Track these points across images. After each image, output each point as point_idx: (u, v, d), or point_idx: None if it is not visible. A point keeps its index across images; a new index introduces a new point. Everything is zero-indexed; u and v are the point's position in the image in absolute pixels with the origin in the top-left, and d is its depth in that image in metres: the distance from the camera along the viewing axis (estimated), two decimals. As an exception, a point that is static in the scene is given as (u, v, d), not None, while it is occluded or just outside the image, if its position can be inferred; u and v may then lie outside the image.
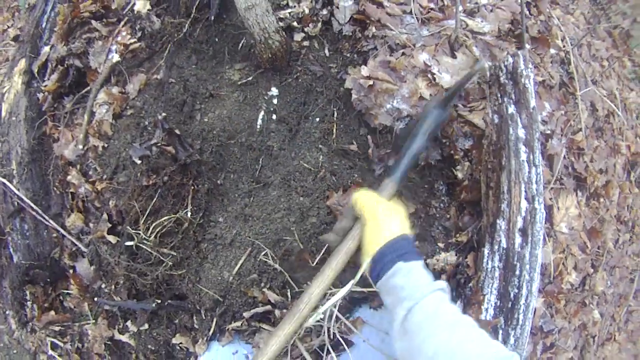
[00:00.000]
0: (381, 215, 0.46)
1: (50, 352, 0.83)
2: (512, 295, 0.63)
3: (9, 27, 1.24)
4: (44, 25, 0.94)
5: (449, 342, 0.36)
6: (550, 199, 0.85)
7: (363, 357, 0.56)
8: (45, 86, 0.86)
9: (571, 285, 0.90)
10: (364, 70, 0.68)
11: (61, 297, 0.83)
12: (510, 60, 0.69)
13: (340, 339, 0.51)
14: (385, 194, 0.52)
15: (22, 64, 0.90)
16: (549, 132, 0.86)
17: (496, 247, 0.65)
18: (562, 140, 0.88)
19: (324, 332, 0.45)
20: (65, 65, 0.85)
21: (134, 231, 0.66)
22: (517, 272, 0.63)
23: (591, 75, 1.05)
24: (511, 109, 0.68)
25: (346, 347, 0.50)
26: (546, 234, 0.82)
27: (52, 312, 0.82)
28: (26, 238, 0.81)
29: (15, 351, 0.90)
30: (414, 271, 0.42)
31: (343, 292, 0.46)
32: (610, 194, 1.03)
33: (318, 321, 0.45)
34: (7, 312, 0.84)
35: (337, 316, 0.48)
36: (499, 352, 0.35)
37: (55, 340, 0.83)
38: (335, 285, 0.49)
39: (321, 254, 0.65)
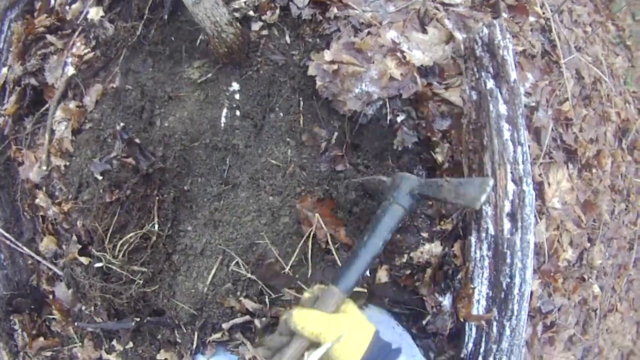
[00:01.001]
0: (340, 338, 0.36)
1: None
2: (504, 285, 0.58)
3: None
4: (1, 46, 0.87)
5: None
6: (540, 175, 0.79)
7: None
8: (5, 109, 0.80)
9: (568, 262, 0.85)
10: (327, 55, 0.62)
11: (47, 323, 0.80)
12: (486, 31, 0.62)
13: None
14: (329, 308, 0.39)
15: None
16: (533, 104, 0.79)
17: (483, 234, 0.59)
18: (549, 111, 0.82)
19: None
20: (22, 85, 0.79)
21: (100, 252, 0.61)
22: (508, 260, 0.58)
23: (574, 42, 0.98)
24: (490, 84, 0.61)
25: None
26: (538, 211, 0.77)
27: (42, 338, 0.78)
28: (3, 268, 0.77)
29: None
30: None
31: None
32: (603, 163, 0.96)
33: None
34: None
35: None
36: None
37: None
38: None
39: (294, 255, 0.60)
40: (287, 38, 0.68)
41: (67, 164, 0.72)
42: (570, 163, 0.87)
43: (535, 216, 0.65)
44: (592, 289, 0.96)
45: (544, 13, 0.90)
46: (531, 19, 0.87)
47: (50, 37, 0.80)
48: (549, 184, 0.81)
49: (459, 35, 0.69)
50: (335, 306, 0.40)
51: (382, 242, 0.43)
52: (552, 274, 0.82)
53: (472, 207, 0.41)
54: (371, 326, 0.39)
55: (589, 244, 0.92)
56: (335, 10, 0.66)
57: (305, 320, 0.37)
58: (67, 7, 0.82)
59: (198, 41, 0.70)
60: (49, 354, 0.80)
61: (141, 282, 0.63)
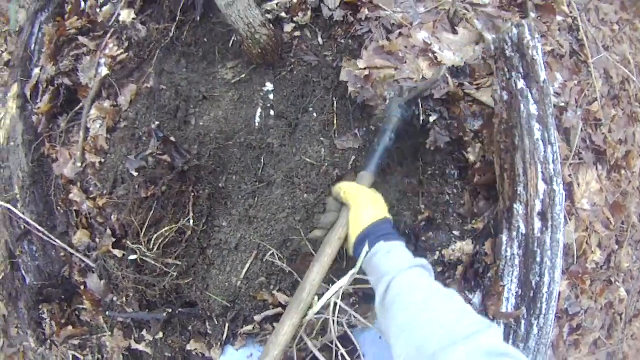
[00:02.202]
0: (364, 201, 0.49)
1: None
2: (534, 283, 0.59)
3: (2, 52, 1.23)
4: (32, 48, 0.91)
5: (420, 314, 0.35)
6: (570, 175, 0.79)
7: (378, 349, 0.55)
8: (39, 108, 0.84)
9: (596, 265, 0.85)
10: (361, 63, 0.64)
11: (77, 312, 0.82)
12: (515, 31, 0.62)
13: (350, 333, 0.49)
14: (364, 184, 0.55)
15: (15, 88, 0.88)
16: (563, 104, 0.79)
17: (515, 233, 0.60)
18: (578, 112, 0.82)
19: (330, 327, 0.44)
20: (56, 85, 0.83)
21: (135, 245, 0.64)
22: (538, 259, 0.59)
23: (602, 41, 0.97)
24: (520, 84, 0.62)
25: (355, 343, 0.48)
26: (567, 212, 0.77)
27: (70, 327, 0.81)
28: (35, 259, 0.81)
29: None
30: (394, 250, 0.44)
31: (343, 281, 0.46)
32: (632, 164, 0.95)
33: (322, 314, 0.44)
34: (26, 332, 0.84)
35: (345, 311, 0.47)
36: (472, 324, 0.32)
37: (76, 354, 0.83)
38: (340, 277, 0.49)
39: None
40: (320, 39, 0.70)
41: (102, 160, 0.76)
42: (600, 164, 0.86)
43: (565, 216, 0.65)
44: (619, 292, 0.95)
45: (571, 12, 0.90)
46: (559, 18, 0.87)
47: (82, 39, 0.84)
48: (578, 184, 0.81)
49: (489, 36, 0.70)
50: (368, 183, 0.55)
51: (388, 140, 0.58)
52: (580, 276, 0.81)
53: (436, 78, 0.59)
54: (387, 213, 0.50)
55: (617, 247, 0.91)
56: (367, 11, 0.67)
57: (346, 186, 0.51)
58: (98, 10, 0.86)
59: (231, 42, 0.72)
60: (76, 342, 0.83)
61: (175, 274, 0.65)
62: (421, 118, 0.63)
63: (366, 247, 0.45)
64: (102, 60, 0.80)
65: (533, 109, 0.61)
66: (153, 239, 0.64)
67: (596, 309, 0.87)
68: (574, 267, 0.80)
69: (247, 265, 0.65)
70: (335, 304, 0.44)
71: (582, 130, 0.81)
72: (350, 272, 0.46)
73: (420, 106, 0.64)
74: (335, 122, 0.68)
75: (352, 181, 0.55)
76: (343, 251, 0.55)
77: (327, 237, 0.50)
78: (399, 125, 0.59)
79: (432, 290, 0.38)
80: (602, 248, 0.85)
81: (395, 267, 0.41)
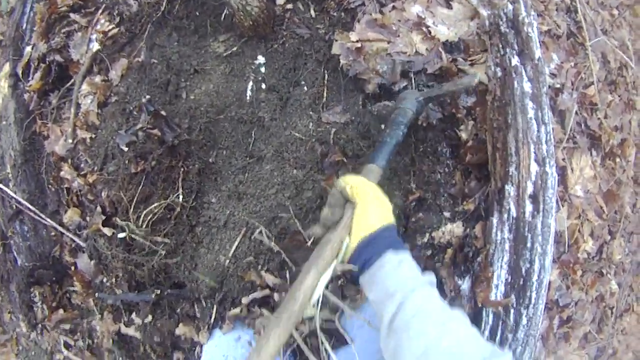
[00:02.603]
0: (373, 199, 0.43)
1: (65, 351, 0.83)
2: (523, 270, 0.58)
3: None
4: (24, 27, 0.90)
5: (439, 341, 0.33)
6: (563, 159, 0.78)
7: (367, 332, 0.52)
8: (30, 86, 0.83)
9: (588, 254, 0.84)
10: (353, 36, 0.62)
11: (68, 295, 0.82)
12: (510, 6, 0.62)
13: (337, 321, 0.46)
14: (372, 179, 0.49)
15: (7, 67, 0.87)
16: (558, 85, 0.78)
17: (505, 216, 0.59)
18: (573, 94, 0.81)
19: (315, 317, 0.40)
20: (47, 62, 0.82)
21: (124, 222, 0.63)
22: (529, 245, 0.58)
23: (601, 24, 0.96)
24: (514, 61, 0.61)
25: (349, 339, 0.44)
26: (560, 198, 0.76)
27: (61, 310, 0.81)
28: (27, 240, 0.80)
29: (33, 352, 0.91)
30: (403, 263, 0.40)
31: (328, 274, 0.41)
32: (627, 153, 0.95)
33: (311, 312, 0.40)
34: (18, 316, 0.84)
35: (329, 301, 0.42)
36: (492, 353, 0.32)
37: (67, 339, 0.83)
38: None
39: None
40: (312, 12, 0.69)
41: (93, 136, 0.75)
42: (594, 150, 0.85)
43: (557, 202, 0.65)
44: (610, 285, 0.94)
45: (569, -7, 0.88)
46: (556, -2, 0.86)
47: (73, 16, 0.83)
48: (572, 169, 0.80)
49: (484, 11, 0.69)
50: (376, 179, 0.50)
51: (401, 134, 0.55)
52: (571, 265, 0.81)
53: (471, 84, 0.56)
54: (392, 218, 0.44)
55: (609, 237, 0.91)
56: (361, -16, 0.67)
57: (353, 181, 0.45)
58: None
59: (222, 15, 0.71)
60: (67, 326, 0.83)
61: (163, 253, 0.65)
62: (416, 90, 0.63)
63: (354, 244, 0.40)
64: (94, 36, 0.79)
65: (527, 86, 0.60)
66: (142, 216, 0.63)
67: (587, 301, 0.87)
68: (565, 256, 0.79)
69: (236, 244, 0.64)
70: (322, 294, 0.40)
71: (577, 113, 0.80)
72: (334, 263, 0.40)
73: (413, 80, 0.63)
74: (325, 95, 0.66)
75: (357, 173, 0.48)
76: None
77: (327, 237, 0.43)
78: (412, 120, 0.55)
79: (446, 313, 0.36)
80: (594, 237, 0.85)
81: (406, 285, 0.37)
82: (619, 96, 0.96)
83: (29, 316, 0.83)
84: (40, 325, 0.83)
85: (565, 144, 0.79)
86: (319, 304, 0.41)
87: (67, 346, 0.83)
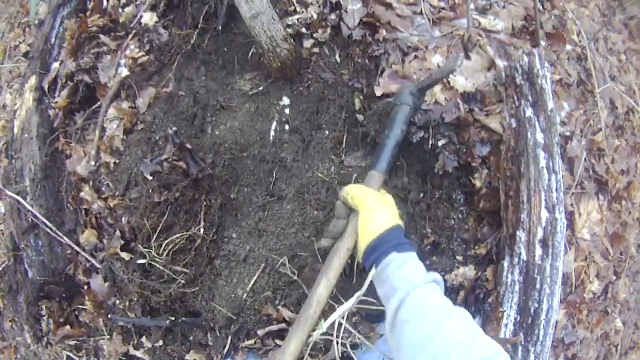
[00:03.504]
0: (373, 205, 0.46)
1: None
2: (532, 310, 0.61)
3: (20, 43, 1.25)
4: (53, 41, 0.93)
5: (434, 334, 0.35)
6: (571, 204, 0.81)
7: None
8: (56, 102, 0.86)
9: (593, 294, 0.86)
10: (378, 90, 0.65)
11: (76, 312, 0.83)
12: (526, 59, 0.65)
13: (352, 353, 0.49)
14: (373, 185, 0.51)
15: (33, 80, 0.90)
16: (568, 133, 0.82)
17: (516, 259, 0.62)
18: (582, 141, 0.84)
19: (333, 346, 0.44)
20: (75, 81, 0.85)
21: (146, 249, 0.65)
22: (538, 286, 0.61)
23: (609, 70, 1.01)
24: (529, 112, 0.65)
25: None
26: (567, 241, 0.79)
27: (68, 327, 0.82)
28: (40, 254, 0.81)
29: None
30: (407, 262, 0.42)
31: (349, 303, 0.45)
32: (633, 195, 0.98)
33: (325, 333, 0.44)
34: (23, 327, 0.84)
35: (348, 330, 0.47)
36: (485, 346, 0.33)
37: (71, 355, 0.83)
38: (345, 293, 0.49)
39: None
40: (337, 57, 0.72)
41: (117, 161, 0.77)
42: (601, 194, 0.88)
43: (565, 245, 0.67)
44: (615, 323, 0.96)
45: (580, 41, 0.93)
46: (568, 47, 0.90)
47: (103, 38, 0.86)
48: (579, 214, 0.83)
49: (500, 63, 0.73)
50: (377, 185, 0.51)
51: (400, 132, 0.54)
52: (577, 305, 0.83)
53: (453, 68, 0.55)
54: (398, 218, 0.47)
55: (614, 277, 0.93)
56: (384, 32, 0.70)
57: (353, 189, 0.48)
58: (120, 10, 0.88)
59: (250, 54, 0.74)
60: (73, 342, 0.83)
61: (182, 282, 0.66)
62: (430, 142, 0.66)
63: (373, 270, 0.43)
64: (123, 61, 0.82)
65: (539, 137, 0.63)
66: (163, 245, 0.65)
67: (592, 339, 0.88)
68: (572, 296, 0.81)
69: (254, 278, 0.66)
70: (340, 324, 0.44)
71: (585, 159, 0.83)
72: (357, 294, 0.45)
73: (431, 130, 0.66)
74: (345, 140, 0.69)
75: (361, 182, 0.51)
76: (348, 264, 0.54)
77: (335, 247, 0.47)
78: (409, 117, 0.54)
79: (447, 308, 0.38)
80: (599, 278, 0.87)
81: (409, 282, 0.39)
82: (625, 140, 0.99)
83: (35, 328, 0.83)
84: (45, 338, 0.83)
85: (573, 189, 0.81)
86: (341, 332, 0.45)
87: None
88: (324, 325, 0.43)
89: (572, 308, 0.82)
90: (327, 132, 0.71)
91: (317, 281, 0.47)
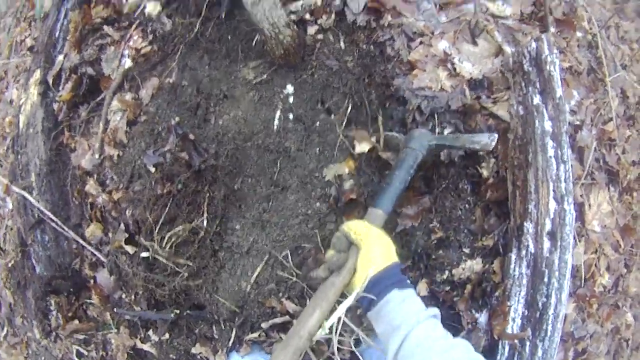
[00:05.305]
0: (375, 242, 0.47)
1: None
2: (540, 304, 0.59)
3: (26, 37, 1.24)
4: (57, 34, 0.91)
5: None
6: (581, 195, 0.79)
7: None
8: (60, 96, 0.85)
9: (604, 288, 0.84)
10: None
11: (84, 307, 0.83)
12: (534, 45, 0.63)
13: (355, 350, 0.49)
14: (375, 223, 0.51)
15: (37, 74, 0.89)
16: (578, 122, 0.79)
17: (523, 252, 0.60)
18: (592, 131, 0.81)
19: (332, 342, 0.43)
20: (79, 74, 0.83)
21: (148, 242, 0.65)
22: (546, 280, 0.59)
23: (620, 59, 0.97)
24: (536, 100, 0.62)
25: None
26: (577, 233, 0.76)
27: (76, 321, 0.82)
28: (47, 249, 0.81)
29: (43, 358, 0.92)
30: (407, 299, 0.43)
31: (349, 301, 0.44)
32: (644, 187, 0.95)
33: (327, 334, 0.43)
34: (32, 322, 0.85)
35: (346, 328, 0.45)
36: None
37: (80, 349, 0.84)
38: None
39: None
40: (342, 43, 0.70)
41: (120, 154, 0.76)
42: (612, 185, 0.86)
43: (574, 237, 0.65)
44: (626, 317, 0.94)
45: (590, 29, 0.89)
46: (578, 34, 0.87)
47: (107, 29, 0.84)
48: (589, 205, 0.80)
49: (508, 49, 0.70)
50: (379, 223, 0.51)
51: (409, 177, 0.54)
52: (587, 299, 0.81)
53: (487, 149, 0.55)
54: (396, 257, 0.47)
55: (625, 270, 0.90)
56: (389, 17, 0.67)
57: (356, 226, 0.48)
58: (123, 0, 0.87)
59: (254, 41, 0.72)
60: (81, 337, 0.83)
61: (185, 275, 0.65)
62: (436, 130, 0.64)
63: (360, 285, 0.43)
64: (126, 52, 0.80)
65: (547, 125, 0.61)
66: (166, 238, 0.64)
67: (602, 333, 0.86)
68: (582, 290, 0.79)
69: (258, 270, 0.65)
70: (339, 319, 0.43)
71: (595, 149, 0.80)
72: (356, 290, 0.44)
73: (436, 117, 0.64)
74: (344, 127, 0.66)
75: (361, 217, 0.52)
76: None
77: (332, 280, 0.46)
78: (420, 163, 0.55)
79: (449, 341, 0.39)
80: (610, 271, 0.85)
81: (411, 319, 0.41)
82: (637, 130, 0.96)
83: (44, 323, 0.84)
84: (54, 333, 0.84)
85: (583, 180, 0.79)
86: (338, 329, 0.43)
87: (80, 355, 0.83)
88: (327, 324, 0.42)
89: (582, 302, 0.80)
90: (331, 120, 0.68)
91: (308, 311, 0.45)
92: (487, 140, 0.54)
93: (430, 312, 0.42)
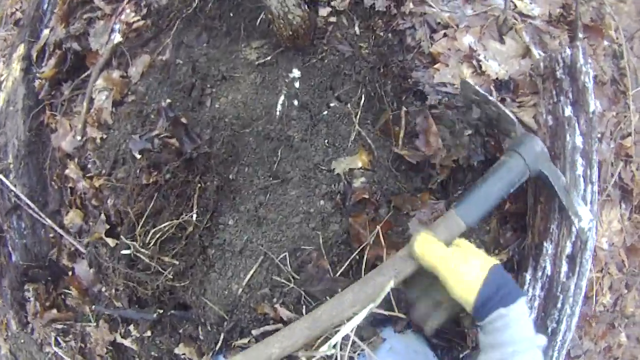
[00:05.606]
0: (458, 266, 0.39)
1: (55, 348, 0.76)
2: (549, 330, 0.53)
3: (16, 10, 1.12)
4: (45, 7, 0.80)
5: None
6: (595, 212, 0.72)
7: None
8: (42, 72, 0.74)
9: (604, 307, 0.79)
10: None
11: (63, 296, 0.74)
12: (568, 52, 0.54)
13: None
14: (449, 236, 0.41)
15: (21, 49, 0.78)
16: (599, 135, 0.72)
17: (539, 273, 0.53)
18: (611, 145, 0.74)
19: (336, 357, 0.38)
20: (63, 49, 0.73)
21: (130, 238, 0.55)
22: (559, 305, 0.53)
23: (643, 73, 0.89)
24: (568, 111, 0.54)
25: None
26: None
27: (55, 310, 0.73)
28: (23, 237, 0.72)
29: (22, 340, 0.84)
30: (513, 322, 0.38)
31: (361, 317, 0.39)
32: (654, 207, 0.88)
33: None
34: (9, 312, 0.76)
35: (352, 340, 0.40)
36: None
37: (59, 339, 0.76)
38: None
39: (344, 266, 0.54)
40: (357, 28, 0.61)
41: (104, 136, 0.66)
42: (624, 202, 0.79)
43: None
44: (620, 337, 0.89)
45: (617, 38, 0.81)
46: (605, 43, 0.79)
47: (97, 1, 0.73)
48: (601, 222, 0.74)
49: (535, 51, 0.61)
50: (452, 235, 0.41)
51: (507, 194, 0.42)
52: (588, 318, 0.75)
53: (581, 231, 0.44)
54: (488, 261, 0.40)
55: (625, 290, 0.85)
56: (412, 5, 0.59)
57: (424, 250, 0.40)
58: None
59: (258, 20, 0.63)
60: (60, 326, 0.75)
61: (170, 275, 0.57)
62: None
63: (391, 282, 0.38)
64: (117, 26, 0.70)
65: (579, 141, 0.53)
66: (150, 233, 0.55)
67: (594, 351, 0.82)
68: (584, 309, 0.74)
69: (251, 273, 0.57)
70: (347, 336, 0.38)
71: (612, 164, 0.74)
72: (369, 306, 0.39)
73: (456, 118, 0.55)
74: (357, 118, 0.58)
75: (434, 223, 0.41)
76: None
77: (374, 280, 0.39)
78: (524, 183, 0.42)
79: None
80: (612, 291, 0.79)
81: (520, 342, 0.37)
82: (653, 148, 0.89)
83: (20, 315, 0.75)
84: (30, 325, 0.76)
85: (598, 196, 0.72)
86: (347, 347, 0.38)
87: (58, 343, 0.75)
88: (334, 340, 0.37)
89: (583, 321, 0.74)
90: (340, 110, 0.59)
91: (335, 299, 0.38)
92: (586, 224, 0.43)
93: (537, 341, 0.38)
